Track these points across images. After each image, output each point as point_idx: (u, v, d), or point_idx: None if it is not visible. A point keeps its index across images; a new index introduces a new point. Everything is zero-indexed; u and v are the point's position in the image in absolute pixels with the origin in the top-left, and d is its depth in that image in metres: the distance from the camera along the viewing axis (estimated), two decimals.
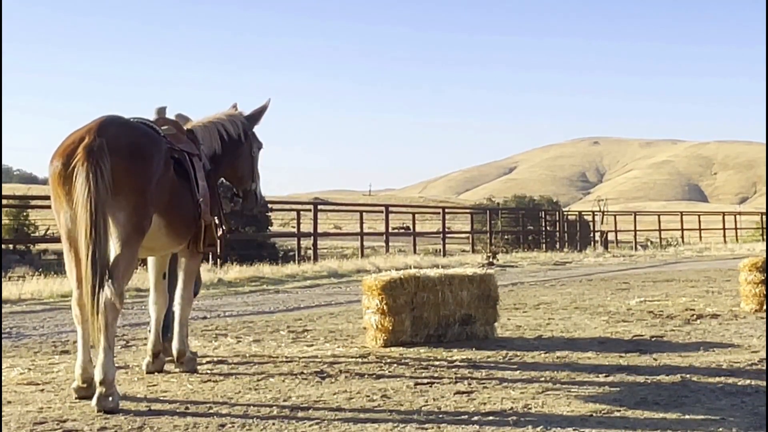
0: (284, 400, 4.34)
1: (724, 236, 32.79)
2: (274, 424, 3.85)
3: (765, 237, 31.33)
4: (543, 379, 4.88)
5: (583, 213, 36.63)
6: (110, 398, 4.13)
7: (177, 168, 4.89)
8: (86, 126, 4.46)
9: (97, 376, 4.18)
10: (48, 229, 32.87)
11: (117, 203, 4.33)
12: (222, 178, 5.88)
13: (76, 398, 4.38)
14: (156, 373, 5.17)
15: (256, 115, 5.80)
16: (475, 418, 3.93)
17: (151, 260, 5.39)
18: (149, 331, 5.39)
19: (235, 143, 5.61)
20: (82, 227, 4.18)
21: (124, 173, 4.32)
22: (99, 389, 4.15)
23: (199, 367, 5.32)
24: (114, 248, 4.38)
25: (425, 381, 4.84)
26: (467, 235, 26.86)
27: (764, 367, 5.12)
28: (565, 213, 37.20)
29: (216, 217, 5.31)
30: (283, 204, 27.97)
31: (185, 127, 5.35)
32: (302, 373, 5.14)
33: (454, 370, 5.23)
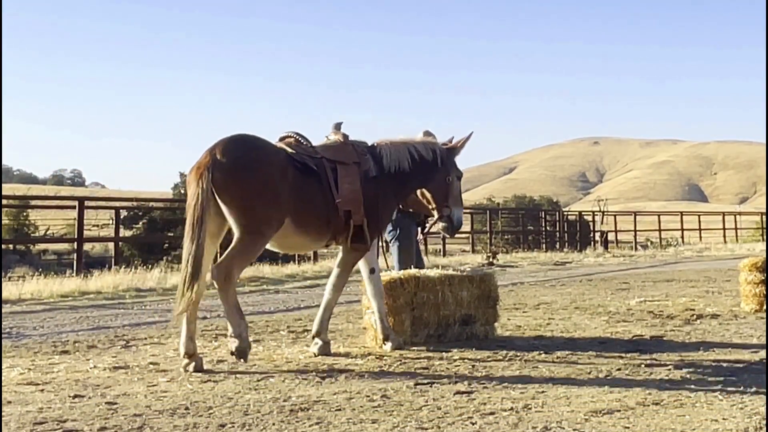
0: (284, 400, 4.34)
1: (724, 236, 32.78)
2: (274, 424, 3.85)
3: (765, 237, 31.33)
4: (543, 379, 4.88)
5: (583, 213, 36.62)
6: (241, 353, 5.27)
7: (311, 173, 5.57)
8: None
9: (230, 330, 5.30)
10: (48, 229, 32.87)
11: (228, 211, 5.23)
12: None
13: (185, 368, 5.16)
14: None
15: (457, 145, 6.36)
16: (475, 418, 3.93)
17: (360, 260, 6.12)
18: (376, 321, 6.14)
19: (428, 166, 6.13)
20: (188, 228, 5.14)
21: (230, 184, 5.17)
22: (231, 343, 5.29)
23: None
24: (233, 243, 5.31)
25: (425, 381, 4.84)
26: (467, 235, 26.85)
27: (764, 367, 5.12)
28: (565, 213, 37.18)
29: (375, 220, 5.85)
30: None
31: (378, 142, 6.10)
32: (302, 373, 5.13)
33: (454, 370, 5.23)
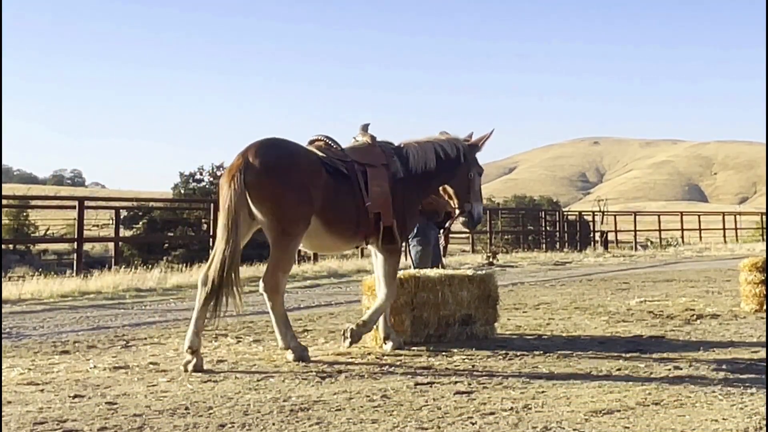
0: (284, 400, 4.34)
1: (724, 236, 32.76)
2: (274, 424, 3.85)
3: (765, 237, 31.33)
4: (543, 379, 4.88)
5: (583, 213, 36.63)
6: (300, 359, 5.44)
7: (342, 177, 5.69)
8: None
9: (280, 344, 5.56)
10: (48, 229, 32.89)
11: (261, 212, 5.37)
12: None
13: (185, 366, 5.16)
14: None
15: (479, 142, 6.45)
16: (475, 418, 3.93)
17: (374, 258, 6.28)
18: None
19: (452, 163, 6.25)
20: (220, 231, 5.28)
21: (262, 186, 5.30)
22: (288, 355, 5.50)
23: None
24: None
25: (425, 381, 4.84)
26: (467, 235, 26.84)
27: (764, 367, 5.12)
28: (565, 213, 37.21)
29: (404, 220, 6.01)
30: None
31: (404, 143, 6.21)
32: (302, 373, 5.14)
33: (454, 369, 5.23)
